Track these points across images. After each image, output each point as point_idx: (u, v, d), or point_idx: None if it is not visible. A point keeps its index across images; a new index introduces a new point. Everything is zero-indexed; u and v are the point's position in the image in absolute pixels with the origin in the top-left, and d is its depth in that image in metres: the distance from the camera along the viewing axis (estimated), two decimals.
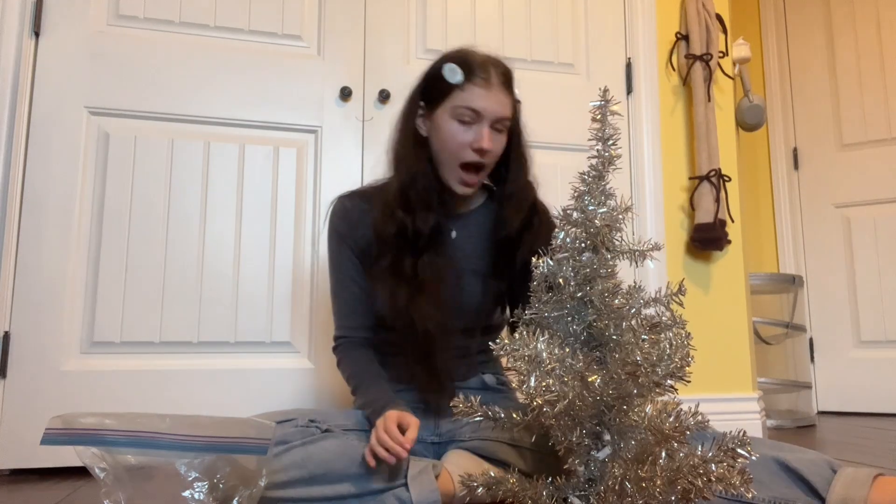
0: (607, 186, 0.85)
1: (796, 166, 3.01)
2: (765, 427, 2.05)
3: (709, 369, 2.00)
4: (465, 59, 1.18)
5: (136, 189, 1.66)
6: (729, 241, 2.04)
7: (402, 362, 1.21)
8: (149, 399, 1.59)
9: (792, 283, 2.60)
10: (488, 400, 1.03)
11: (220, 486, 0.88)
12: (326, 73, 1.81)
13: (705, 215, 1.99)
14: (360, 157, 1.80)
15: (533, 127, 1.95)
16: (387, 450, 0.99)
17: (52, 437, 0.84)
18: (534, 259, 0.86)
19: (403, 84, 1.36)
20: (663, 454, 0.78)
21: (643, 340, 0.78)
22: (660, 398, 0.81)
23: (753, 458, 0.76)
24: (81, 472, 1.48)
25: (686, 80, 2.10)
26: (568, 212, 0.85)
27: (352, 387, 1.22)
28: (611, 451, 0.81)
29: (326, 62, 1.83)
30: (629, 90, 2.08)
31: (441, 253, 1.19)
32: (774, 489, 0.95)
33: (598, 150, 0.85)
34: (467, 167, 1.18)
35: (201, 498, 0.86)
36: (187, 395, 1.62)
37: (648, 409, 0.79)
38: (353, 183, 1.72)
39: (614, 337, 0.80)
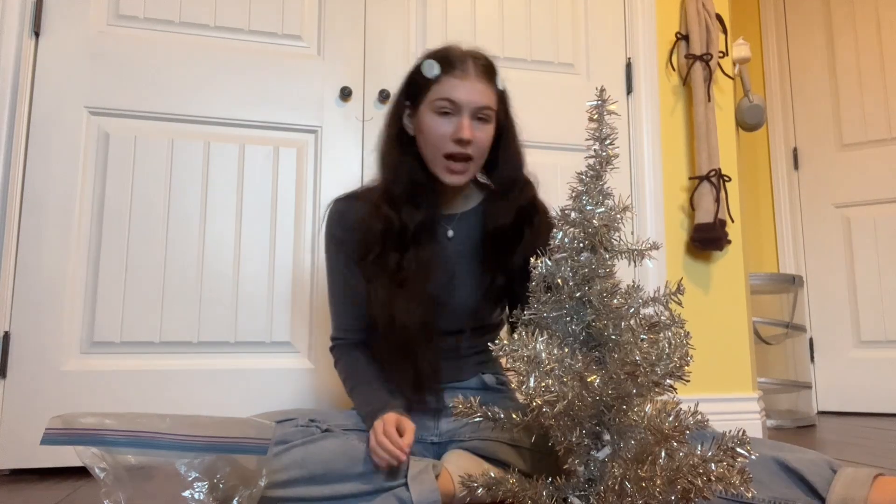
0: (605, 186, 0.85)
1: (796, 166, 3.01)
2: (765, 427, 2.05)
3: (709, 369, 2.00)
4: (444, 54, 1.20)
5: (136, 189, 1.66)
6: (729, 241, 2.04)
7: (387, 361, 1.21)
8: (149, 399, 1.59)
9: (792, 283, 2.60)
10: (488, 400, 1.04)
11: (220, 486, 0.88)
12: (326, 73, 1.82)
13: (705, 215, 1.99)
14: (360, 157, 1.80)
15: (533, 127, 1.95)
16: (385, 452, 1.00)
17: (52, 437, 0.84)
18: (532, 259, 0.86)
19: None
20: (663, 454, 0.78)
21: (642, 340, 0.78)
22: (659, 398, 0.81)
23: (753, 457, 0.76)
24: (81, 472, 1.48)
25: (686, 80, 2.10)
26: (566, 212, 0.85)
27: (348, 388, 1.23)
28: (610, 451, 0.81)
29: (326, 62, 1.83)
30: (629, 90, 2.08)
31: (428, 250, 1.19)
32: (774, 489, 0.95)
33: (595, 150, 0.85)
34: (452, 158, 1.17)
35: (201, 498, 0.86)
36: (187, 395, 1.62)
37: (648, 408, 0.79)
38: (353, 183, 1.72)
39: (613, 337, 0.80)
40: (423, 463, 1.07)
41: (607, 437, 0.81)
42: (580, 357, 0.79)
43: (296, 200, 1.76)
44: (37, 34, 1.64)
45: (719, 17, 2.14)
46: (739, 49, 2.23)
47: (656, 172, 2.04)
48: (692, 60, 2.06)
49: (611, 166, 0.85)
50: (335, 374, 1.29)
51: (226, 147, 1.73)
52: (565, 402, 0.76)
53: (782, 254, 3.01)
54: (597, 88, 0.87)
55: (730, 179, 2.05)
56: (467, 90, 1.16)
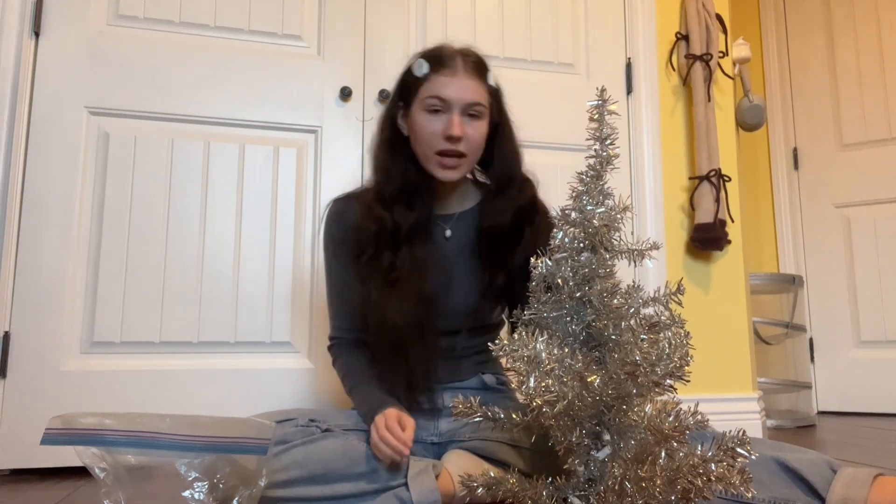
0: (605, 186, 0.85)
1: (796, 166, 3.01)
2: (765, 427, 2.05)
3: (709, 369, 2.00)
4: (433, 53, 1.21)
5: (136, 189, 1.66)
6: (729, 241, 2.04)
7: (380, 360, 1.20)
8: (149, 399, 1.59)
9: (792, 283, 2.60)
10: (488, 400, 1.04)
11: (220, 486, 0.88)
12: (326, 73, 1.82)
13: (705, 215, 1.99)
14: (360, 157, 1.80)
15: (533, 127, 1.96)
16: (389, 447, 1.01)
17: (52, 437, 0.84)
18: (532, 259, 0.86)
19: None
20: (663, 454, 0.78)
21: (642, 340, 0.78)
22: (659, 398, 0.81)
23: (753, 457, 0.76)
24: (81, 472, 1.48)
25: (686, 80, 2.10)
26: (566, 212, 0.85)
27: (347, 387, 1.23)
28: (610, 451, 0.81)
29: (326, 62, 1.83)
30: (629, 90, 2.08)
31: (422, 250, 1.19)
32: (774, 489, 0.95)
33: (595, 150, 0.85)
34: (444, 155, 1.17)
35: (201, 498, 0.86)
36: (187, 395, 1.62)
37: (648, 408, 0.79)
38: (353, 183, 1.72)
39: (613, 337, 0.80)
40: (423, 463, 1.07)
41: (607, 437, 0.81)
42: (580, 357, 0.79)
43: (296, 200, 1.76)
44: (37, 34, 1.64)
45: (719, 17, 2.14)
46: (739, 49, 2.23)
47: (656, 172, 2.04)
48: (692, 60, 2.06)
49: (611, 166, 0.85)
50: (335, 374, 1.29)
51: (226, 147, 1.73)
52: (565, 402, 0.76)
53: (782, 254, 3.01)
54: (597, 88, 0.87)
55: (730, 179, 2.05)
56: (456, 87, 1.16)
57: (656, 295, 0.81)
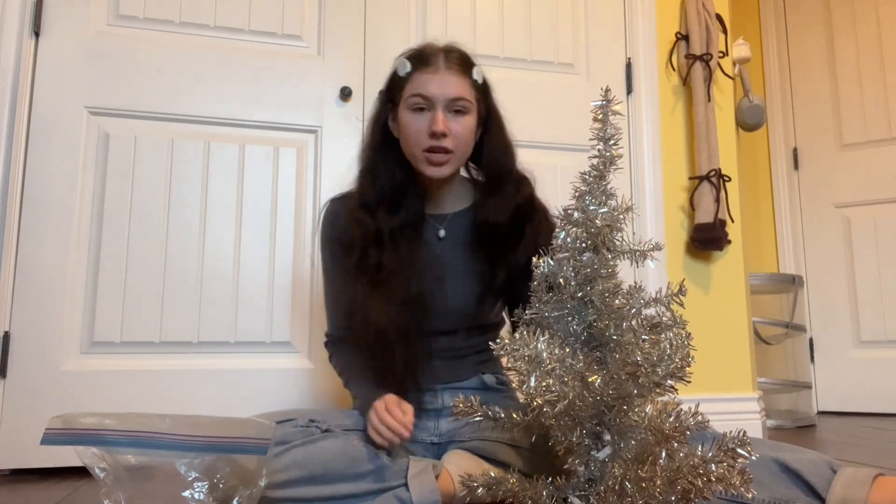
0: (608, 186, 0.85)
1: (796, 166, 3.01)
2: (765, 427, 2.05)
3: (709, 369, 2.00)
4: (416, 51, 1.21)
5: (136, 189, 1.66)
6: (729, 241, 2.04)
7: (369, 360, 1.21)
8: (149, 399, 1.59)
9: (792, 283, 2.60)
10: (488, 400, 1.03)
11: (220, 486, 0.88)
12: (326, 73, 1.81)
13: (705, 215, 1.99)
14: None
15: (533, 127, 1.96)
16: (389, 428, 1.02)
17: (52, 437, 0.84)
18: (534, 258, 0.86)
19: None
20: (663, 454, 0.78)
21: (643, 341, 0.78)
22: (660, 398, 0.81)
23: (753, 458, 0.76)
24: (81, 472, 1.48)
25: (686, 80, 2.10)
26: (569, 211, 0.85)
27: (344, 380, 1.25)
28: (611, 451, 0.81)
29: (326, 62, 1.83)
30: (629, 90, 2.08)
31: (409, 251, 1.19)
32: (774, 490, 0.95)
33: (599, 150, 0.85)
34: (431, 152, 1.17)
35: (201, 498, 0.86)
36: (187, 395, 1.62)
37: (648, 409, 0.79)
38: (353, 183, 1.72)
39: (615, 337, 0.80)
40: (424, 463, 1.07)
41: (608, 437, 0.81)
42: (581, 357, 0.79)
43: (296, 200, 1.76)
44: (37, 34, 1.64)
45: (719, 17, 2.14)
46: (739, 49, 2.23)
47: (656, 172, 2.04)
48: (692, 60, 2.06)
49: (614, 167, 0.85)
50: (335, 375, 1.29)
51: (226, 147, 1.73)
52: (566, 402, 0.76)
53: (782, 254, 3.01)
54: (602, 89, 0.87)
55: (730, 179, 2.05)
56: (437, 83, 1.16)
57: (658, 296, 0.81)
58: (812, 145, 2.98)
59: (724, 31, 2.17)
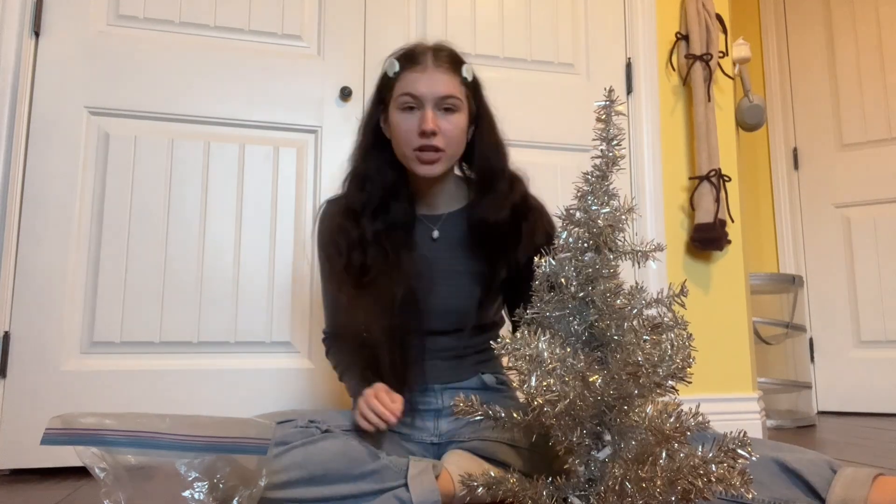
0: (611, 187, 0.85)
1: (796, 166, 3.01)
2: (765, 427, 2.05)
3: (709, 369, 2.00)
4: (405, 51, 1.21)
5: (136, 189, 1.66)
6: (729, 241, 2.04)
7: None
8: (149, 399, 1.59)
9: (792, 283, 2.60)
10: (488, 400, 1.04)
11: (220, 486, 0.88)
12: (326, 73, 1.81)
13: (705, 215, 1.99)
14: None
15: (533, 127, 1.96)
16: (375, 413, 1.04)
17: (52, 437, 0.83)
18: (536, 258, 0.86)
19: None
20: (664, 454, 0.78)
21: (644, 341, 0.78)
22: (661, 399, 0.80)
23: (754, 458, 0.76)
24: (81, 472, 1.48)
25: (686, 80, 2.10)
26: (571, 211, 0.85)
27: (339, 373, 1.26)
28: (611, 452, 0.81)
29: (326, 62, 1.83)
30: (629, 90, 2.08)
31: (395, 254, 1.19)
32: (774, 490, 0.95)
33: (601, 150, 0.85)
34: (421, 150, 1.17)
35: (201, 498, 0.86)
36: (187, 395, 1.62)
37: (649, 409, 0.79)
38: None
39: (616, 337, 0.80)
40: (424, 463, 1.07)
41: (608, 437, 0.81)
42: (582, 357, 0.79)
43: (296, 200, 1.76)
44: (37, 34, 1.64)
45: (719, 17, 2.14)
46: (739, 49, 2.23)
47: (656, 172, 2.04)
48: (692, 60, 2.06)
49: (617, 167, 0.85)
50: (335, 375, 1.29)
51: (226, 147, 1.73)
52: (567, 402, 0.76)
53: (782, 254, 3.01)
54: (605, 89, 0.87)
55: (730, 179, 2.05)
56: (426, 82, 1.16)
57: (659, 296, 0.81)
58: (812, 145, 2.98)
59: (724, 31, 2.17)
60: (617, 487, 0.77)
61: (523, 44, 2.00)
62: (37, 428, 1.49)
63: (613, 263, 0.83)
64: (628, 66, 2.09)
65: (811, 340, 2.86)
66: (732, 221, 2.06)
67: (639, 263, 0.84)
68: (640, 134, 2.05)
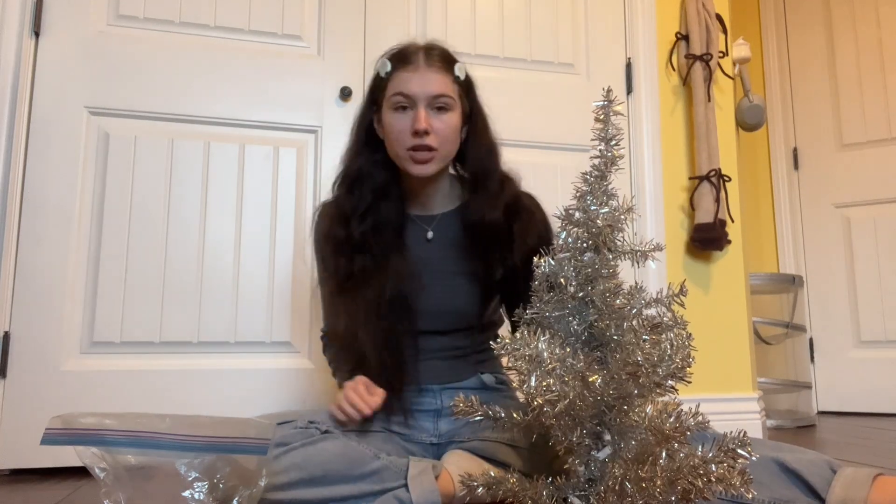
0: (609, 187, 0.85)
1: (796, 166, 3.01)
2: (765, 427, 2.05)
3: (709, 369, 2.00)
4: (397, 51, 1.21)
5: (136, 189, 1.66)
6: (729, 241, 2.04)
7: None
8: (149, 399, 1.59)
9: (792, 283, 2.60)
10: (487, 399, 1.03)
11: (220, 486, 0.88)
12: (326, 73, 1.81)
13: (705, 215, 1.99)
14: None
15: (533, 127, 1.96)
16: (351, 405, 1.06)
17: (52, 437, 0.83)
18: (535, 258, 0.86)
19: None
20: (663, 454, 0.78)
21: (644, 341, 0.78)
22: (660, 398, 0.80)
23: (754, 458, 0.76)
24: (81, 472, 1.48)
25: (686, 80, 2.10)
26: (570, 211, 0.85)
27: (332, 370, 1.28)
28: (611, 452, 0.81)
29: (326, 62, 1.83)
30: (629, 90, 2.08)
31: (385, 256, 1.19)
32: (774, 490, 0.95)
33: (600, 151, 0.85)
34: (414, 150, 1.16)
35: (201, 498, 0.86)
36: (187, 395, 1.62)
37: (649, 409, 0.79)
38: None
39: (615, 337, 0.80)
40: (424, 463, 1.07)
41: (608, 437, 0.81)
42: (582, 357, 0.79)
43: (296, 200, 1.76)
44: (37, 34, 1.64)
45: (719, 17, 2.14)
46: (739, 49, 2.23)
47: (656, 172, 2.04)
48: (692, 60, 2.06)
49: (616, 167, 0.85)
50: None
51: (226, 147, 1.73)
52: (566, 402, 0.76)
53: (782, 254, 3.01)
54: (603, 89, 0.87)
55: (730, 179, 2.05)
56: (418, 81, 1.15)
57: (659, 296, 0.81)
58: (812, 145, 2.98)
59: (724, 31, 2.17)
60: (617, 487, 0.77)
61: (523, 44, 2.00)
62: (37, 428, 1.49)
63: (612, 263, 0.83)
64: (628, 66, 2.09)
65: (811, 340, 2.87)
66: (732, 221, 2.06)
67: (638, 263, 0.84)
68: (640, 134, 2.05)
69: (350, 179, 1.23)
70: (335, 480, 1.02)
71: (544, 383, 0.76)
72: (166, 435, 0.87)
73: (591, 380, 0.77)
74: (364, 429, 1.12)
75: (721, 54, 2.12)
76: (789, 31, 3.08)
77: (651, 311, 0.81)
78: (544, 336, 0.79)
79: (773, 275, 2.68)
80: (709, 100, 2.05)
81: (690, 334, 0.78)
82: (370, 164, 1.22)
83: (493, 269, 1.22)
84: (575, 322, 0.83)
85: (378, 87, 1.21)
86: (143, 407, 1.57)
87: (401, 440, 1.17)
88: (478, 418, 0.90)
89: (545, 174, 1.92)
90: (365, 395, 1.08)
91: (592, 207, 0.83)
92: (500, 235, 1.20)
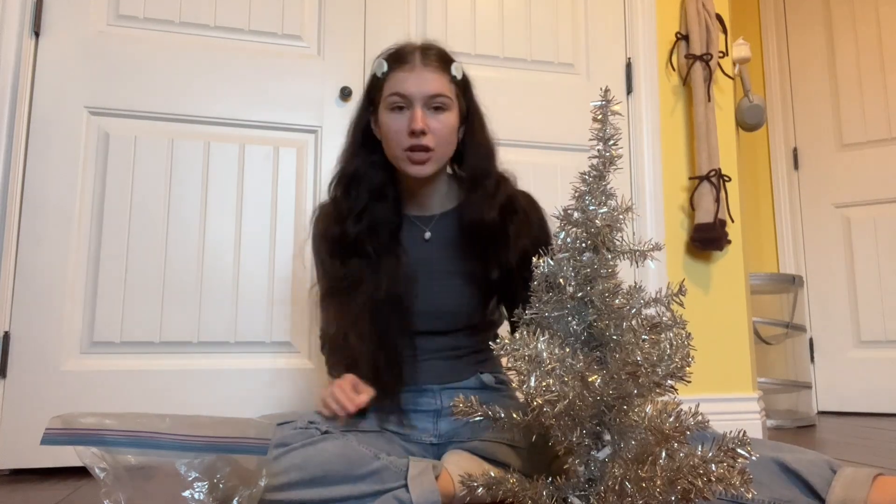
0: (608, 186, 0.85)
1: (796, 166, 3.01)
2: (765, 427, 2.05)
3: (709, 369, 2.00)
4: (393, 51, 1.21)
5: (136, 189, 1.66)
6: (729, 241, 2.04)
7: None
8: (149, 399, 1.59)
9: (792, 283, 2.60)
10: (487, 399, 1.03)
11: (220, 486, 0.88)
12: (326, 73, 1.82)
13: (705, 215, 1.99)
14: None
15: (533, 127, 1.96)
16: (335, 401, 1.08)
17: (52, 437, 0.83)
18: (535, 259, 0.86)
19: None
20: (663, 454, 0.78)
21: (643, 340, 0.78)
22: (660, 398, 0.80)
23: (754, 458, 0.76)
24: (81, 472, 1.48)
25: (686, 80, 2.10)
26: (569, 212, 0.85)
27: (328, 368, 1.28)
28: (611, 451, 0.81)
29: (326, 62, 1.83)
30: (629, 90, 2.08)
31: (378, 256, 1.19)
32: (774, 490, 0.95)
33: (598, 150, 0.85)
34: (412, 150, 1.16)
35: (201, 498, 0.86)
36: (187, 395, 1.62)
37: (649, 409, 0.79)
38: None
39: (615, 337, 0.80)
40: (424, 464, 1.06)
41: (608, 437, 0.81)
42: (581, 357, 0.79)
43: (296, 200, 1.76)
44: (37, 34, 1.64)
45: (719, 17, 2.14)
46: (739, 49, 2.23)
47: (656, 172, 2.04)
48: (692, 60, 2.06)
49: (614, 167, 0.85)
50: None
51: (226, 147, 1.73)
52: (566, 402, 0.76)
53: (782, 254, 3.01)
54: (601, 89, 0.87)
55: (730, 179, 2.05)
56: (414, 81, 1.15)
57: (658, 296, 0.81)
58: (812, 145, 2.98)
59: (724, 31, 2.17)
60: (617, 487, 0.77)
61: (523, 44, 2.00)
62: (37, 428, 1.49)
63: (611, 263, 0.83)
64: (628, 66, 2.09)
65: (811, 340, 2.87)
66: (732, 221, 2.06)
67: (637, 263, 0.84)
68: (640, 134, 2.05)
69: (347, 180, 1.23)
70: (335, 481, 1.02)
71: (544, 383, 0.76)
72: (166, 435, 0.87)
73: (590, 380, 0.77)
74: (363, 429, 1.12)
75: (721, 54, 2.12)
76: (789, 31, 3.08)
77: (650, 311, 0.81)
78: (543, 336, 0.79)
79: (773, 275, 2.68)
80: (709, 100, 2.05)
81: (690, 334, 0.78)
82: (367, 164, 1.21)
83: (489, 269, 1.22)
84: (574, 322, 0.83)
85: (374, 88, 1.21)
86: (143, 407, 1.57)
87: (400, 440, 1.17)
88: (477, 419, 0.90)
89: (545, 174, 1.92)
90: (350, 392, 1.08)
91: (591, 207, 0.83)
92: (496, 236, 1.20)
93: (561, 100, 2.00)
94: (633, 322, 0.79)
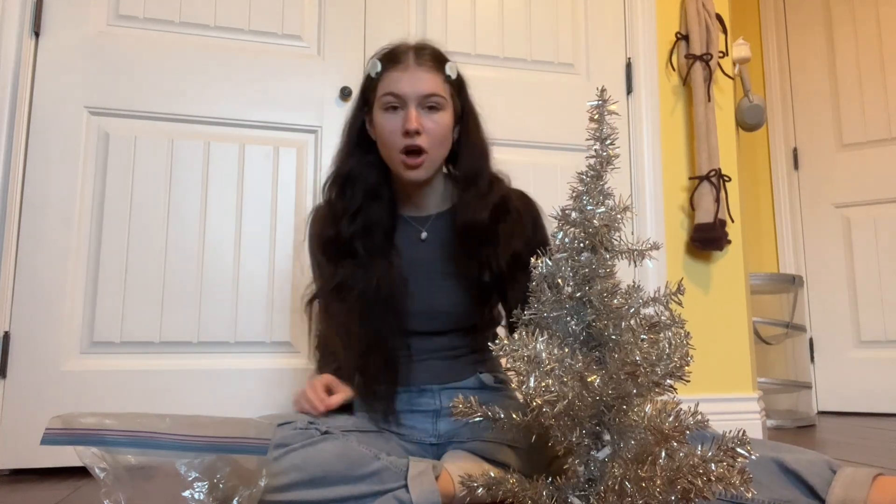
0: (605, 186, 0.84)
1: (796, 166, 3.01)
2: (765, 427, 2.05)
3: (709, 369, 2.00)
4: (387, 51, 1.20)
5: (136, 189, 1.66)
6: (729, 241, 2.04)
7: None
8: (149, 399, 1.59)
9: (792, 283, 2.60)
10: (487, 399, 1.03)
11: (220, 486, 0.88)
12: (326, 73, 1.82)
13: (705, 215, 1.99)
14: None
15: (533, 127, 1.96)
16: (305, 401, 1.10)
17: (52, 437, 0.83)
18: (532, 259, 0.86)
19: None
20: (663, 454, 0.78)
21: (642, 340, 0.78)
22: (659, 398, 0.80)
23: (753, 457, 0.76)
24: (81, 472, 1.48)
25: (686, 80, 2.10)
26: (566, 212, 0.85)
27: (317, 366, 1.29)
28: (610, 451, 0.81)
29: (326, 62, 1.83)
30: (629, 90, 2.08)
31: (371, 257, 1.19)
32: (774, 490, 0.95)
33: (595, 150, 0.85)
34: (407, 152, 1.16)
35: (201, 498, 0.86)
36: (187, 395, 1.62)
37: (648, 408, 0.79)
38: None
39: (613, 337, 0.80)
40: (424, 464, 1.06)
41: (607, 437, 0.81)
42: (580, 357, 0.79)
43: (296, 200, 1.76)
44: (37, 34, 1.64)
45: (719, 17, 2.14)
46: (739, 49, 2.23)
47: (656, 172, 2.04)
48: (692, 60, 2.06)
49: (611, 166, 0.85)
50: None
51: (226, 147, 1.73)
52: (565, 402, 0.76)
53: (782, 254, 3.01)
54: (597, 88, 0.87)
55: (730, 179, 2.05)
56: (408, 80, 1.15)
57: (656, 295, 0.81)
58: (812, 145, 2.98)
59: (724, 31, 2.17)
60: (617, 487, 0.77)
61: (523, 44, 2.00)
62: (37, 428, 1.49)
63: (610, 263, 0.83)
64: (628, 66, 2.09)
65: (811, 340, 2.86)
66: (732, 221, 2.06)
67: (635, 262, 0.84)
68: (640, 134, 2.05)
69: (342, 180, 1.22)
70: (335, 481, 1.02)
71: (543, 384, 0.76)
72: (166, 435, 0.87)
73: (589, 380, 0.77)
74: (363, 429, 1.12)
75: (721, 54, 2.12)
76: (789, 31, 3.08)
77: (649, 311, 0.81)
78: (542, 337, 0.79)
79: (773, 275, 2.68)
80: (709, 100, 2.05)
81: (689, 333, 0.78)
82: (362, 165, 1.21)
83: (485, 269, 1.21)
84: (573, 322, 0.83)
85: (369, 88, 1.21)
86: (143, 407, 1.57)
87: (400, 441, 1.17)
88: (477, 419, 0.90)
89: (545, 174, 1.92)
90: (321, 393, 1.10)
91: (589, 207, 0.83)
92: (489, 236, 1.19)
93: (561, 100, 2.00)
94: (632, 322, 0.79)
